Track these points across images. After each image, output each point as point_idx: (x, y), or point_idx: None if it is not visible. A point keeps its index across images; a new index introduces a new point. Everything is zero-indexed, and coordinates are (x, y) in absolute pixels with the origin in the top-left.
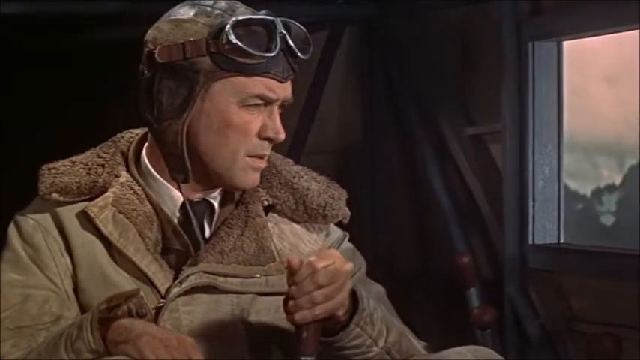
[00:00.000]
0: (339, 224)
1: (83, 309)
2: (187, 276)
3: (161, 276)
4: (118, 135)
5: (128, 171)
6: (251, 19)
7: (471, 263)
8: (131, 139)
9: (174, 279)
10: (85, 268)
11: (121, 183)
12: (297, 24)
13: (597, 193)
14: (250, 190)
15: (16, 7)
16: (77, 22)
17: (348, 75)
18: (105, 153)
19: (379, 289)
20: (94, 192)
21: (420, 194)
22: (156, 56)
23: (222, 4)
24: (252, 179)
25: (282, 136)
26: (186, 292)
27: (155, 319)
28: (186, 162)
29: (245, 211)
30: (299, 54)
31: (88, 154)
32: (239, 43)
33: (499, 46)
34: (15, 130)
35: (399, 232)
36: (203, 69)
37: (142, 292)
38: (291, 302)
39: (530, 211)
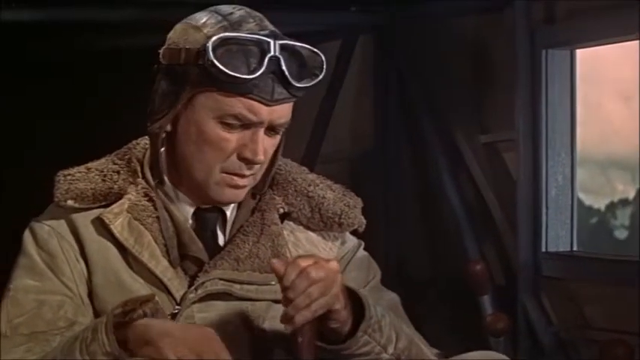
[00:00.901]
0: (354, 232)
1: (98, 315)
2: (203, 283)
3: (176, 283)
4: (134, 141)
5: (143, 177)
6: (239, 38)
7: (484, 271)
8: (146, 146)
9: (190, 286)
10: (100, 273)
11: (137, 189)
12: (311, 49)
13: (611, 207)
14: (266, 197)
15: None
16: (91, 29)
17: (361, 83)
18: (120, 159)
19: (393, 297)
20: (110, 198)
21: (434, 202)
22: (160, 56)
23: (236, 16)
24: (229, 195)
25: (259, 158)
26: (202, 299)
27: None
28: (161, 164)
29: (261, 218)
30: (293, 81)
31: (103, 160)
32: (215, 62)
33: (512, 53)
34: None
35: (412, 240)
36: (191, 78)
37: (157, 297)
38: (289, 307)
39: (544, 218)
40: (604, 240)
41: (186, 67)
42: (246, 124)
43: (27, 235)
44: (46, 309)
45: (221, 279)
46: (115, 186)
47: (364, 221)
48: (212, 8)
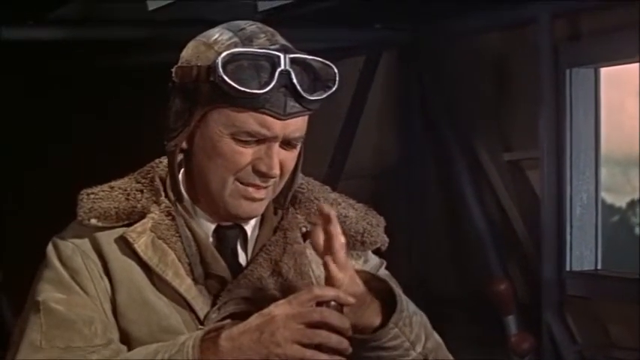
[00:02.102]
0: (377, 251)
1: (122, 333)
2: (226, 302)
3: (200, 301)
4: (157, 160)
5: (166, 196)
6: (249, 53)
7: (508, 290)
8: None
9: (213, 304)
10: (124, 292)
11: (160, 208)
12: (323, 61)
13: (632, 205)
14: (289, 216)
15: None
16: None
17: (384, 99)
18: (144, 178)
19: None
20: (133, 217)
21: (457, 220)
22: (173, 75)
23: (247, 31)
24: (246, 208)
25: (275, 171)
26: (225, 318)
27: None
28: (178, 182)
29: (283, 237)
30: (304, 94)
31: (126, 179)
32: (225, 78)
33: (536, 71)
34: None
35: (436, 258)
36: (203, 95)
37: (179, 317)
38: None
39: (568, 237)
40: (625, 237)
41: (198, 85)
42: (260, 140)
43: (50, 250)
44: (81, 324)
45: (244, 298)
46: (139, 205)
47: (387, 240)
48: (224, 25)
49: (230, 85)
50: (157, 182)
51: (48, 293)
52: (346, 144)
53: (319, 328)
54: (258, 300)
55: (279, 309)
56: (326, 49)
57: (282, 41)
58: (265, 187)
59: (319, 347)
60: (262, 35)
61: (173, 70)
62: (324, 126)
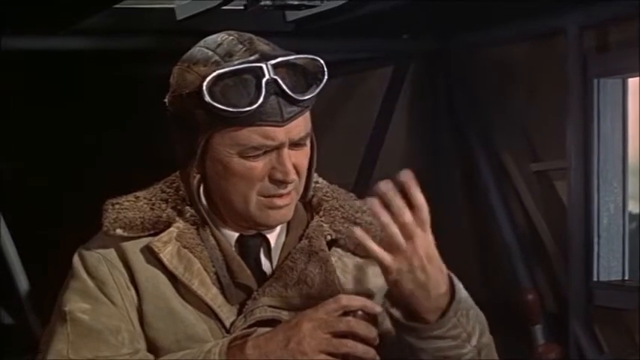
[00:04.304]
0: None
1: (149, 343)
2: (252, 310)
3: (226, 310)
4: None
5: (191, 205)
6: (232, 70)
7: (536, 300)
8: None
9: (239, 313)
10: (150, 301)
11: (184, 218)
12: (308, 57)
13: None
14: (313, 224)
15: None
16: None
17: (413, 109)
18: (169, 188)
19: None
20: (158, 227)
21: (485, 229)
22: (167, 104)
23: (224, 46)
24: (275, 217)
25: (291, 177)
26: (251, 326)
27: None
28: (200, 208)
29: (308, 245)
30: (296, 96)
31: (151, 189)
32: (214, 103)
33: (564, 82)
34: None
35: (463, 267)
36: (200, 121)
37: (206, 325)
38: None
39: (595, 248)
40: None
41: (191, 112)
42: (266, 151)
43: (77, 261)
44: (107, 333)
45: (270, 306)
46: (164, 214)
47: None
48: (201, 43)
49: (220, 108)
50: (182, 191)
51: (74, 303)
52: (374, 154)
53: (346, 338)
54: (284, 308)
55: (306, 318)
56: (354, 60)
57: (262, 47)
58: (288, 193)
59: (346, 357)
60: (240, 47)
61: (166, 99)
62: (352, 136)
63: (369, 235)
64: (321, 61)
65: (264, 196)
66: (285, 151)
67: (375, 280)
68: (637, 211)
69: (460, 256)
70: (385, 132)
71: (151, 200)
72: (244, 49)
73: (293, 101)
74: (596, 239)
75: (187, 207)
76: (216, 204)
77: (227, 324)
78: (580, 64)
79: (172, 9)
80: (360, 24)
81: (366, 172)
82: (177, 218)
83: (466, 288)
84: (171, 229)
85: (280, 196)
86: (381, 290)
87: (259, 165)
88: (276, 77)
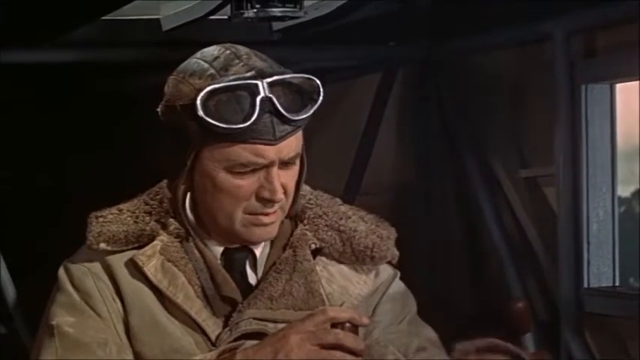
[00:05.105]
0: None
1: (135, 355)
2: (237, 323)
3: (211, 323)
4: (165, 181)
5: (175, 218)
6: (227, 86)
7: (525, 309)
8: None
9: (224, 326)
10: (136, 314)
11: (168, 231)
12: (304, 76)
13: (636, 194)
14: (297, 233)
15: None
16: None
17: (401, 117)
18: (152, 200)
19: (430, 334)
20: (142, 240)
21: (475, 236)
22: (159, 114)
23: (221, 60)
24: (260, 234)
25: (278, 196)
26: (236, 339)
27: None
28: (184, 221)
29: (293, 255)
30: (289, 116)
31: (135, 201)
32: (207, 118)
33: (552, 88)
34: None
35: (454, 275)
36: (192, 135)
37: (191, 338)
38: None
39: (585, 254)
40: (630, 227)
41: (184, 124)
42: (255, 169)
43: (62, 274)
44: (95, 346)
45: (255, 318)
46: (147, 227)
47: (397, 253)
48: (199, 55)
49: (213, 124)
50: (166, 204)
51: (61, 317)
52: (363, 161)
53: (334, 350)
54: (270, 320)
55: (293, 330)
56: (341, 68)
57: (259, 63)
58: (274, 212)
59: None
60: (237, 61)
61: (159, 108)
62: (341, 144)
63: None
64: (317, 81)
65: (250, 214)
66: (275, 170)
67: (361, 288)
68: (624, 195)
69: (450, 262)
70: (374, 139)
71: (134, 213)
72: (241, 64)
73: (286, 120)
74: (585, 245)
75: (171, 219)
76: (201, 217)
77: (212, 337)
78: (567, 70)
79: (158, 20)
80: (346, 32)
81: (355, 181)
82: (161, 231)
83: (456, 295)
84: (155, 242)
85: (266, 214)
86: (366, 299)
87: (246, 183)
88: (271, 95)
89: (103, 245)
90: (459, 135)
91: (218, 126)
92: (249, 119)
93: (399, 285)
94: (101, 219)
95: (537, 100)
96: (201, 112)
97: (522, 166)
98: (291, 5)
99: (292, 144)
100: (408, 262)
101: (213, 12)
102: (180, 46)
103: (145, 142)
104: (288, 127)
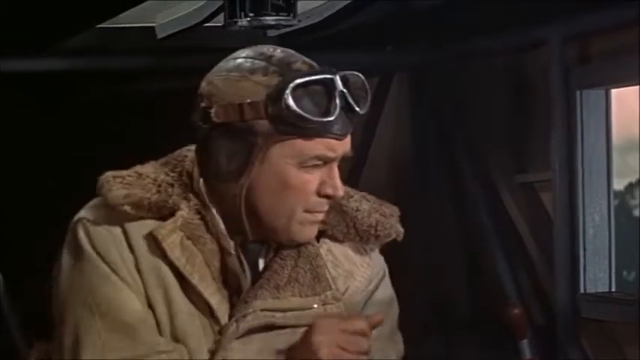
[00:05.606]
0: (391, 246)
1: None
2: (244, 316)
3: (224, 308)
4: (182, 153)
5: (196, 194)
6: (310, 80)
7: (521, 315)
8: (194, 159)
9: (232, 315)
10: (152, 289)
11: (189, 206)
12: (356, 73)
13: (630, 188)
14: None
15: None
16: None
17: (398, 122)
18: (173, 172)
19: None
20: (163, 212)
21: (472, 242)
22: (212, 115)
23: (278, 57)
24: (309, 233)
25: (340, 192)
26: (245, 334)
27: (211, 357)
28: (245, 225)
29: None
30: (358, 109)
31: (154, 168)
32: (298, 110)
33: (547, 93)
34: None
35: (450, 279)
36: (261, 132)
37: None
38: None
39: (581, 259)
40: (624, 220)
41: (252, 123)
42: (325, 163)
43: (82, 236)
44: (138, 324)
45: (262, 309)
46: (170, 200)
47: (401, 230)
48: (243, 54)
49: (301, 115)
50: (186, 177)
51: (96, 291)
52: (359, 166)
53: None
54: (278, 309)
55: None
56: None
57: (308, 60)
58: (327, 209)
59: None
60: (294, 58)
61: (212, 111)
62: None
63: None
64: (363, 77)
65: (308, 212)
66: (336, 165)
67: (364, 270)
68: (618, 188)
69: (447, 267)
70: (370, 144)
71: (156, 181)
72: (300, 61)
73: (355, 114)
74: (581, 251)
75: (191, 195)
76: (235, 219)
77: (222, 322)
78: (563, 76)
79: (152, 27)
80: (343, 37)
81: (351, 185)
82: (182, 205)
83: (452, 301)
84: (176, 216)
85: (322, 211)
86: (369, 280)
87: (314, 179)
88: (344, 90)
89: (127, 208)
90: (456, 140)
91: (306, 118)
92: (331, 113)
93: (386, 288)
94: (119, 179)
95: (533, 106)
96: (292, 104)
97: (519, 171)
98: (285, 14)
99: (349, 140)
100: (404, 267)
101: (207, 20)
102: (175, 54)
103: (143, 143)
104: (350, 124)
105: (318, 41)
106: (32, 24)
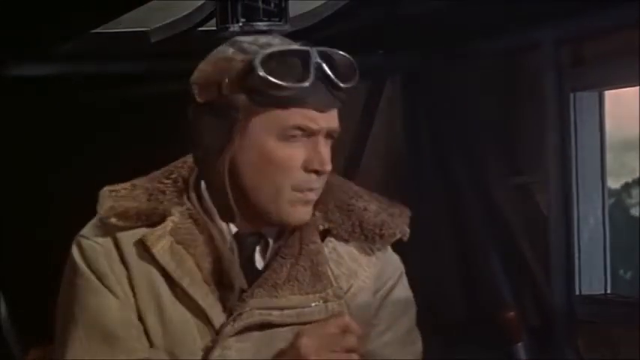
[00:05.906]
0: (399, 245)
1: None
2: (240, 314)
3: (217, 310)
4: (181, 160)
5: (189, 198)
6: (282, 51)
7: (517, 318)
8: (193, 165)
9: (229, 315)
10: (143, 298)
11: (180, 211)
12: (341, 52)
13: (626, 187)
14: None
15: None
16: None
17: (390, 125)
18: (167, 179)
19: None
20: (153, 219)
21: (467, 244)
22: (195, 96)
23: (262, 40)
24: (301, 214)
25: (328, 167)
26: (240, 332)
27: (206, 356)
28: (231, 202)
29: (299, 237)
30: (339, 83)
31: (149, 178)
32: (268, 77)
33: (541, 96)
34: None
35: (445, 282)
36: (240, 106)
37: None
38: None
39: (577, 261)
40: (620, 218)
41: (230, 98)
42: (306, 135)
43: (76, 252)
44: (120, 332)
45: (258, 308)
46: (160, 207)
47: (407, 230)
48: (231, 41)
49: (272, 82)
50: (181, 183)
51: (82, 302)
52: (353, 168)
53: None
54: (274, 308)
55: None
56: None
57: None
58: (318, 188)
59: None
60: (277, 40)
61: (194, 88)
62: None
63: None
64: (352, 59)
65: (297, 190)
66: (322, 139)
67: (370, 270)
68: (614, 187)
69: (442, 269)
70: (364, 147)
71: (147, 190)
72: (281, 42)
73: (334, 89)
74: (577, 253)
75: (185, 199)
76: (222, 197)
77: (216, 324)
78: (556, 79)
79: (146, 32)
80: (336, 40)
81: None
82: (173, 211)
83: (448, 303)
84: (166, 222)
85: (312, 189)
86: (374, 280)
87: (297, 153)
88: (320, 62)
89: (113, 220)
90: (450, 142)
91: (277, 84)
92: (305, 80)
93: (402, 289)
94: (114, 193)
95: (527, 108)
96: (262, 73)
97: (514, 173)
98: (276, 19)
99: (335, 117)
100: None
101: (199, 25)
102: (168, 58)
103: (142, 144)
104: (333, 99)
105: (309, 45)
106: (25, 30)
